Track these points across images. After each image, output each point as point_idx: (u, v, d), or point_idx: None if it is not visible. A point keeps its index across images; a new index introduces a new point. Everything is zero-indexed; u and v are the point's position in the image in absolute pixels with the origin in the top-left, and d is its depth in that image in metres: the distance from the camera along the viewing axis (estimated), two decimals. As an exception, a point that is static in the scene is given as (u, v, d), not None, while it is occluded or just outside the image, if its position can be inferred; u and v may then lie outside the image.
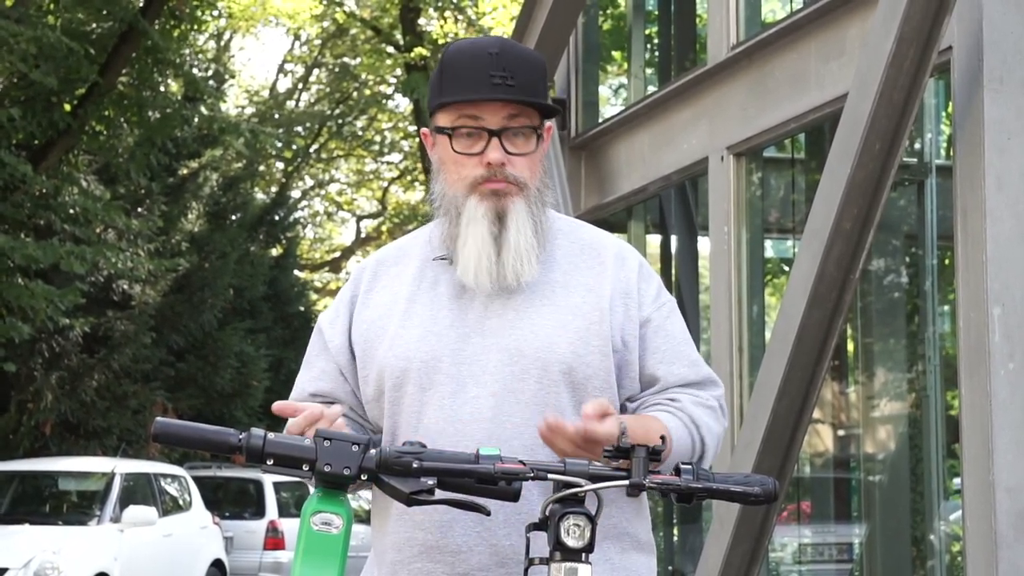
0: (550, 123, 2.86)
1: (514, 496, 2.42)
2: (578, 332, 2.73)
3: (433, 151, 2.85)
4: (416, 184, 33.79)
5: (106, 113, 17.41)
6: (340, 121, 32.98)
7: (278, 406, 2.64)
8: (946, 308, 8.01)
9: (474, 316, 2.76)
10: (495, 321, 2.75)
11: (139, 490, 15.18)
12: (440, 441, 2.65)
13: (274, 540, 18.55)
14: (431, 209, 2.88)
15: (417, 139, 29.97)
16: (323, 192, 36.08)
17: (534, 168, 2.79)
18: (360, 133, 34.09)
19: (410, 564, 2.71)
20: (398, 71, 29.24)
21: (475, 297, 2.77)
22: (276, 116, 31.38)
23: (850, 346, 8.98)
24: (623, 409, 2.77)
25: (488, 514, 2.47)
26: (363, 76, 31.48)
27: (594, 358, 2.72)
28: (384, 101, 32.42)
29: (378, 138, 34.28)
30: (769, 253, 9.74)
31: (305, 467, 2.37)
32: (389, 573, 2.75)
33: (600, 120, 10.11)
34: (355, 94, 32.23)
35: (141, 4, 16.89)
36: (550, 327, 2.74)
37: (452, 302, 2.78)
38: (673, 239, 10.01)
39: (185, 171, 23.62)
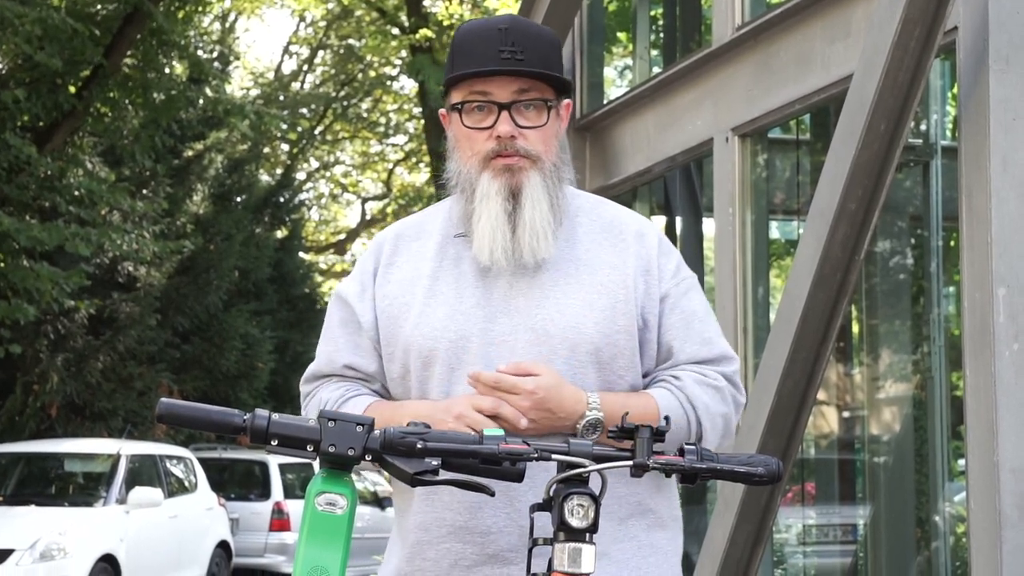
0: (568, 100, 2.85)
1: (518, 476, 2.43)
2: (604, 311, 2.73)
3: (449, 129, 2.85)
4: (421, 166, 33.77)
5: (111, 95, 17.39)
6: (345, 103, 32.95)
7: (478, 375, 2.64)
8: (951, 289, 8.01)
9: (499, 295, 2.75)
10: (521, 300, 2.74)
11: (145, 472, 15.21)
12: None
13: (280, 521, 18.57)
14: (448, 188, 2.87)
15: (422, 121, 29.95)
16: (328, 174, 36.07)
17: (548, 142, 2.78)
18: (365, 115, 34.06)
19: (438, 544, 2.70)
20: (403, 53, 29.20)
21: (500, 275, 2.76)
22: (281, 98, 31.37)
23: (855, 327, 8.98)
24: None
25: (492, 495, 2.47)
26: (368, 58, 31.45)
27: (620, 337, 2.73)
28: (389, 83, 32.39)
29: (383, 120, 34.26)
30: (774, 235, 9.73)
31: (309, 447, 2.37)
32: (414, 553, 2.74)
33: (605, 101, 10.09)
34: (360, 76, 32.21)
35: (146, -15, 16.86)
36: (577, 306, 2.73)
37: (477, 280, 2.77)
38: (678, 220, 10.00)
39: (190, 153, 23.61)
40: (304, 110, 32.19)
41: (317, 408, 2.81)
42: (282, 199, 27.72)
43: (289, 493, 19.04)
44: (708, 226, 9.58)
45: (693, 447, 2.43)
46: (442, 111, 2.89)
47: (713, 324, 2.84)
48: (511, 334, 2.72)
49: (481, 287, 2.76)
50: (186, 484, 16.22)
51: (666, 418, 2.47)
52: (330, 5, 30.79)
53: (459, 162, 2.81)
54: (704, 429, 2.72)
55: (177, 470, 16.19)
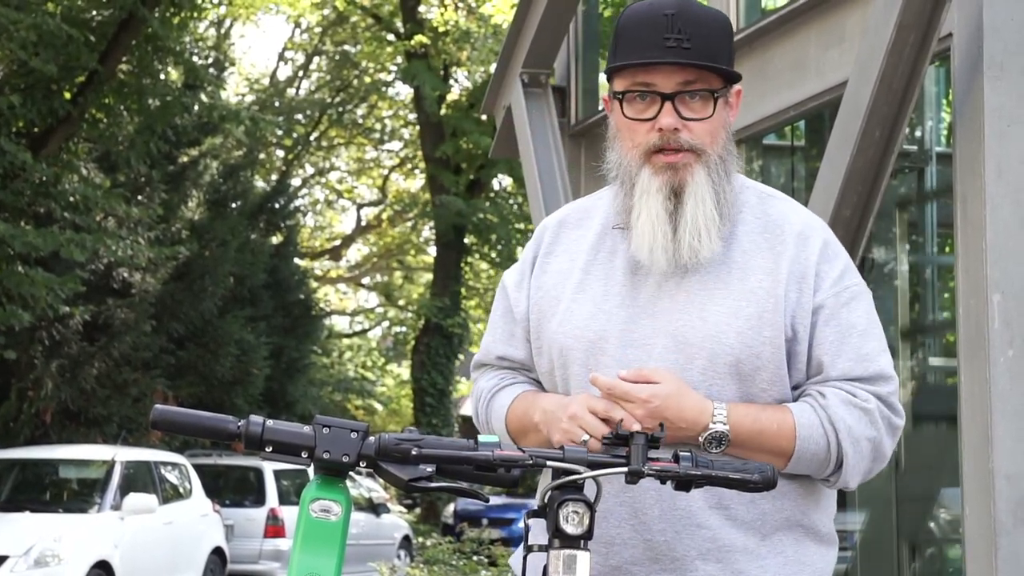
0: (738, 87, 2.71)
1: (513, 483, 2.42)
2: (749, 321, 2.58)
3: (611, 116, 2.71)
4: (416, 172, 33.79)
5: (106, 101, 17.40)
6: (340, 109, 32.96)
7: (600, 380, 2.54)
8: (946, 295, 8.01)
9: (646, 295, 2.64)
10: (666, 302, 2.62)
11: (139, 478, 15.19)
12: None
13: (274, 528, 18.55)
14: (607, 178, 2.73)
15: (417, 126, 29.97)
16: (323, 180, 36.08)
17: (715, 134, 2.64)
18: (360, 121, 34.08)
19: None
20: (398, 59, 29.22)
21: (649, 274, 2.64)
22: (276, 104, 31.36)
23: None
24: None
25: (487, 501, 2.47)
26: (363, 64, 31.47)
27: (765, 349, 2.57)
28: (384, 89, 32.41)
29: (378, 126, 34.28)
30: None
31: (304, 454, 2.36)
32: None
33: (600, 108, 10.10)
34: (355, 82, 32.23)
35: (141, -9, 16.87)
36: (721, 313, 2.59)
37: (626, 277, 2.66)
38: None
39: (185, 159, 23.60)
40: (299, 116, 32.19)
41: (475, 397, 2.82)
42: (277, 205, 27.72)
43: (284, 499, 19.02)
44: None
45: (688, 453, 2.41)
46: (605, 97, 2.73)
47: (875, 339, 2.63)
48: (650, 338, 2.61)
49: (629, 285, 2.66)
50: (181, 490, 16.20)
51: (660, 424, 2.45)
52: (326, 11, 30.81)
53: (620, 153, 2.67)
54: (845, 453, 2.58)
55: (172, 476, 16.17)
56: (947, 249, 7.72)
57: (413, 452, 2.37)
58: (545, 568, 2.34)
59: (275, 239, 27.06)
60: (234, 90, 32.24)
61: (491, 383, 2.80)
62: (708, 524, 2.59)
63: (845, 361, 2.59)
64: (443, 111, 27.52)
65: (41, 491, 15.23)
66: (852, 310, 2.62)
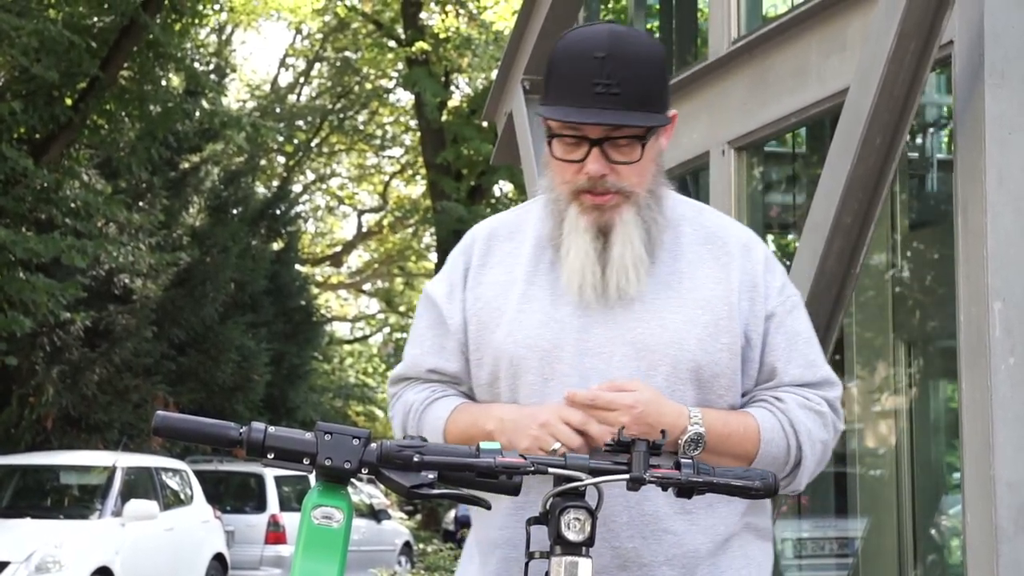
0: (675, 111, 2.68)
1: (515, 490, 2.42)
2: (707, 328, 2.63)
3: (546, 143, 2.70)
4: (417, 178, 33.80)
5: (107, 107, 17.42)
6: (341, 115, 32.99)
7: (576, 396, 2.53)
8: (946, 303, 8.01)
9: (597, 305, 2.65)
10: (620, 311, 2.64)
11: (140, 484, 15.19)
12: None
13: (275, 534, 18.56)
14: (541, 193, 2.73)
15: (418, 133, 29.98)
16: (324, 186, 36.10)
17: (644, 174, 2.63)
18: (361, 127, 34.10)
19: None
20: (400, 65, 29.24)
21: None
22: (277, 110, 31.40)
23: (851, 341, 8.98)
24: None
25: (489, 508, 2.46)
26: (364, 70, 31.50)
27: (723, 356, 2.63)
28: (385, 95, 32.45)
29: (379, 132, 34.30)
30: (770, 248, 9.75)
31: (306, 461, 2.36)
32: (501, 569, 2.68)
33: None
34: (356, 88, 32.25)
35: (142, -2, 16.89)
36: (679, 321, 2.63)
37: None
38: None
39: (186, 165, 23.62)
40: (300, 122, 32.22)
41: (403, 411, 2.78)
42: (278, 211, 27.73)
43: (285, 506, 19.02)
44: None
45: (689, 460, 2.42)
46: (541, 118, 2.72)
47: (817, 346, 2.73)
48: (607, 346, 2.63)
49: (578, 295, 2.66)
50: (182, 497, 16.21)
51: (662, 431, 2.46)
52: (327, 17, 30.84)
53: (550, 181, 2.68)
54: (804, 455, 2.65)
55: (173, 482, 16.17)
56: (947, 256, 7.73)
57: (415, 459, 2.37)
58: (547, 575, 2.34)
59: (276, 245, 27.07)
60: (235, 96, 32.27)
61: (422, 395, 2.77)
62: (674, 530, 2.62)
63: (795, 367, 2.68)
64: (444, 117, 27.54)
65: (42, 497, 15.24)
66: (795, 318, 2.72)
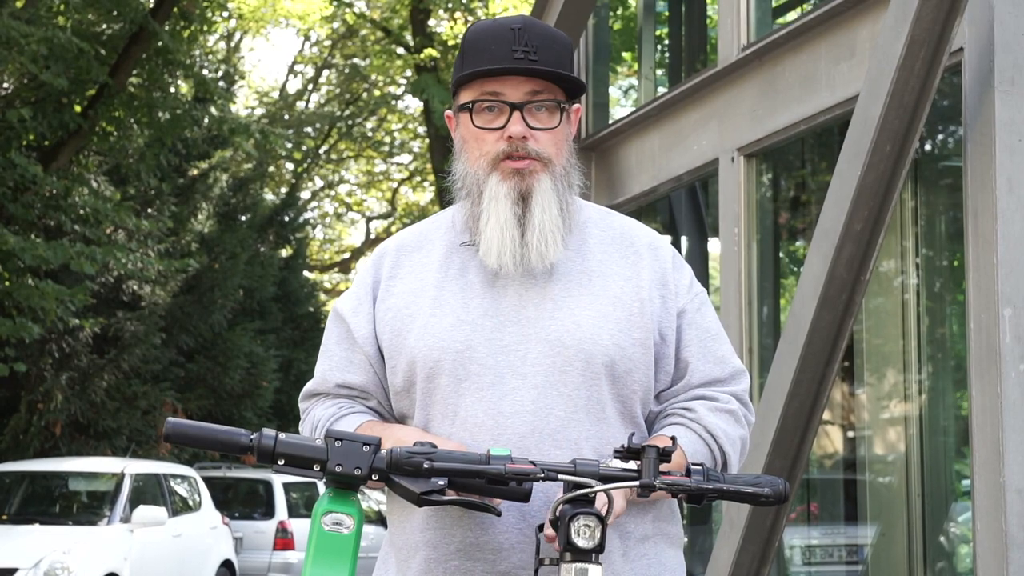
0: (578, 104, 2.79)
1: (525, 496, 2.42)
2: (619, 324, 2.68)
3: (455, 132, 2.80)
4: (426, 184, 33.82)
5: (116, 114, 17.43)
6: (350, 122, 33.01)
7: None
8: (957, 310, 7.99)
9: (509, 304, 2.69)
10: (532, 310, 2.68)
11: (149, 490, 15.19)
12: (480, 435, 2.61)
13: (284, 540, 18.56)
14: (453, 192, 2.82)
15: (427, 140, 30.00)
16: (333, 193, 36.12)
17: (559, 145, 2.71)
18: (370, 134, 34.11)
19: (447, 561, 2.63)
20: (408, 72, 29.25)
21: (508, 284, 2.70)
22: (286, 117, 31.43)
23: (860, 347, 8.97)
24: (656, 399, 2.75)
25: (499, 515, 2.47)
26: (373, 77, 31.50)
27: (636, 351, 2.67)
28: (394, 102, 32.45)
29: (388, 139, 34.31)
30: (780, 255, 9.74)
31: (316, 467, 2.37)
32: (422, 571, 2.67)
33: (610, 121, 10.11)
34: (365, 95, 32.27)
35: (151, 5, 16.92)
36: (592, 318, 2.67)
37: (484, 290, 2.71)
38: (683, 240, 10.00)
39: (195, 172, 23.66)
40: (309, 129, 32.25)
41: (311, 427, 2.79)
42: (287, 218, 27.76)
43: (293, 512, 19.02)
44: (713, 246, 9.59)
45: (700, 467, 2.42)
46: (448, 113, 2.82)
47: (725, 341, 2.80)
48: (521, 344, 2.65)
49: (489, 297, 2.69)
50: (190, 503, 16.21)
51: (672, 438, 2.45)
52: (335, 24, 30.85)
53: (466, 164, 2.76)
54: (728, 456, 2.69)
55: (181, 489, 16.17)
56: (956, 263, 7.72)
57: (425, 465, 2.37)
58: (557, 582, 2.34)
59: (284, 252, 27.09)
60: (244, 103, 32.30)
61: (329, 411, 2.78)
62: None
63: (706, 364, 2.74)
64: (452, 124, 27.54)
65: (50, 503, 15.24)
66: (704, 315, 2.77)
